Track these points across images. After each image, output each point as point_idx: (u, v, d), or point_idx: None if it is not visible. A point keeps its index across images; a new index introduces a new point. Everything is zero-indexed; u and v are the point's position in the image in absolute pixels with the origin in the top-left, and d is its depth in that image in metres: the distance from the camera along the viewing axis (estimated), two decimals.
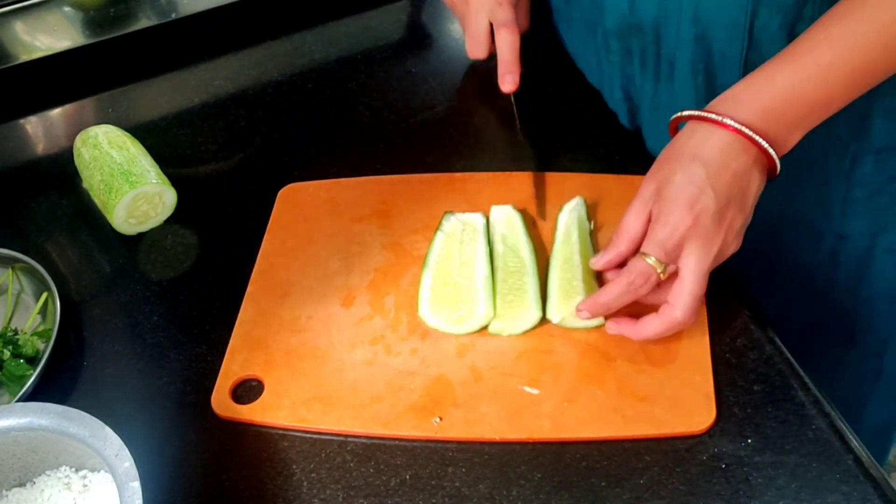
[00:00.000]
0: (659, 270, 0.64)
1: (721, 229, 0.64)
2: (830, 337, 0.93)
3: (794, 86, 0.64)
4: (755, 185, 0.66)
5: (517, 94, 0.85)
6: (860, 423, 1.03)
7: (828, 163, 0.78)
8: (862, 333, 0.92)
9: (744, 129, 0.64)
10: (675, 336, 0.67)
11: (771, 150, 0.65)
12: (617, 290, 0.65)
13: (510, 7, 0.83)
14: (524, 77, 0.86)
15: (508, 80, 0.84)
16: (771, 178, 0.68)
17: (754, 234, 0.68)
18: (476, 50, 0.87)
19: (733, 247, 0.66)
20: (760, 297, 0.71)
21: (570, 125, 0.87)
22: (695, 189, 0.63)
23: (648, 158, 0.73)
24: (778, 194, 0.82)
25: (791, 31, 0.71)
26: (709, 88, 0.78)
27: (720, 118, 0.64)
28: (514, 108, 0.85)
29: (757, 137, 0.64)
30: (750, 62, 0.74)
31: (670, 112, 0.82)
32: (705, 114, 0.65)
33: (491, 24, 0.87)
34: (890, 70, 0.64)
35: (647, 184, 0.67)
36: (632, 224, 0.67)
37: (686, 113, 0.67)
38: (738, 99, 0.66)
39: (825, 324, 0.92)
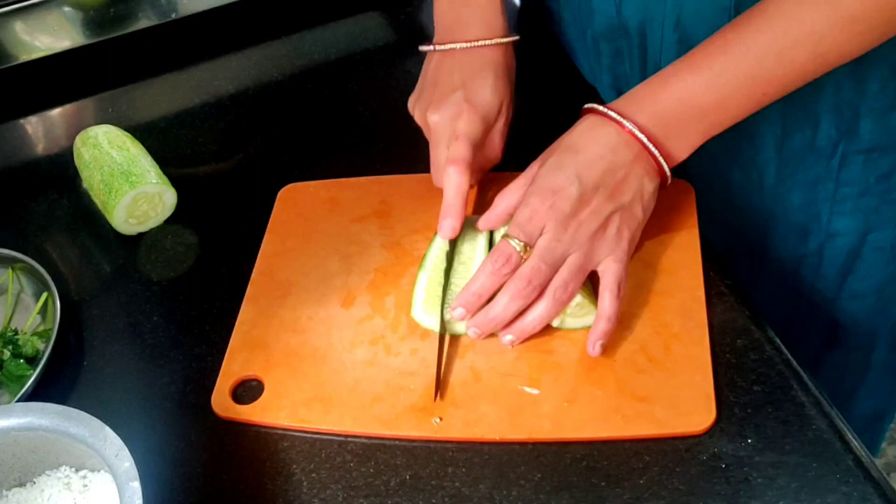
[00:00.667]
0: (518, 250, 0.66)
1: (579, 212, 0.65)
2: (817, 332, 0.93)
3: (685, 87, 0.66)
4: (635, 181, 0.67)
5: (454, 241, 0.73)
6: (849, 416, 1.03)
7: (817, 162, 0.79)
8: (849, 329, 0.92)
9: (625, 122, 0.66)
10: (675, 336, 0.67)
11: (652, 148, 0.67)
12: (482, 275, 0.67)
13: (466, 144, 0.72)
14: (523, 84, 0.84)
15: (446, 227, 0.71)
16: (662, 184, 0.69)
17: (742, 231, 0.68)
18: (437, 179, 0.77)
19: (610, 235, 0.67)
20: (748, 292, 0.71)
21: (570, 125, 0.87)
22: (561, 176, 0.66)
23: None
24: (767, 193, 0.82)
25: None
26: None
27: (607, 111, 0.67)
28: (448, 256, 0.72)
29: (638, 133, 0.66)
30: None
31: None
32: (597, 107, 0.68)
33: None
34: (787, 81, 0.65)
35: (532, 165, 0.70)
36: (507, 197, 0.70)
37: (587, 105, 0.70)
38: (633, 98, 0.68)
39: (812, 319, 0.92)
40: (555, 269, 0.66)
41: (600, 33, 0.83)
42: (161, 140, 0.92)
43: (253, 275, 0.77)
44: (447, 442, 0.65)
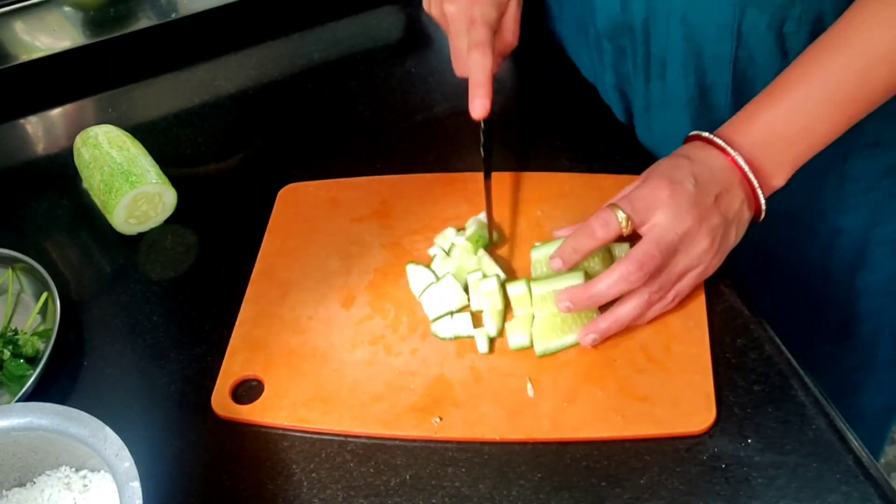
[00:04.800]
0: (620, 220, 0.65)
1: (694, 212, 0.65)
2: (824, 329, 0.94)
3: (770, 119, 0.67)
4: (738, 202, 0.67)
5: (488, 121, 0.75)
6: (855, 413, 1.04)
7: (820, 159, 0.79)
8: (856, 325, 0.93)
9: (729, 148, 0.67)
10: (675, 336, 0.67)
11: (751, 175, 0.66)
12: (579, 233, 0.67)
13: (484, 27, 0.75)
14: (514, 85, 0.83)
15: (477, 105, 0.73)
16: (755, 219, 0.69)
17: (749, 233, 0.69)
18: (459, 68, 0.79)
19: (712, 249, 0.66)
20: (755, 291, 0.71)
21: (569, 124, 0.87)
22: (677, 172, 0.66)
23: (648, 157, 0.72)
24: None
25: (779, 31, 0.72)
26: (700, 87, 0.78)
27: (712, 137, 0.68)
28: (482, 137, 0.76)
29: (740, 160, 0.66)
30: (739, 61, 0.75)
31: (663, 110, 0.83)
32: (702, 133, 0.69)
33: None
34: (872, 100, 0.65)
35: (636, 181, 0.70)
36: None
37: (692, 133, 0.70)
38: (724, 132, 0.68)
39: (819, 316, 0.92)
40: (666, 262, 0.65)
41: (604, 32, 0.83)
42: (161, 140, 0.92)
43: (253, 275, 0.77)
44: (447, 442, 0.65)
